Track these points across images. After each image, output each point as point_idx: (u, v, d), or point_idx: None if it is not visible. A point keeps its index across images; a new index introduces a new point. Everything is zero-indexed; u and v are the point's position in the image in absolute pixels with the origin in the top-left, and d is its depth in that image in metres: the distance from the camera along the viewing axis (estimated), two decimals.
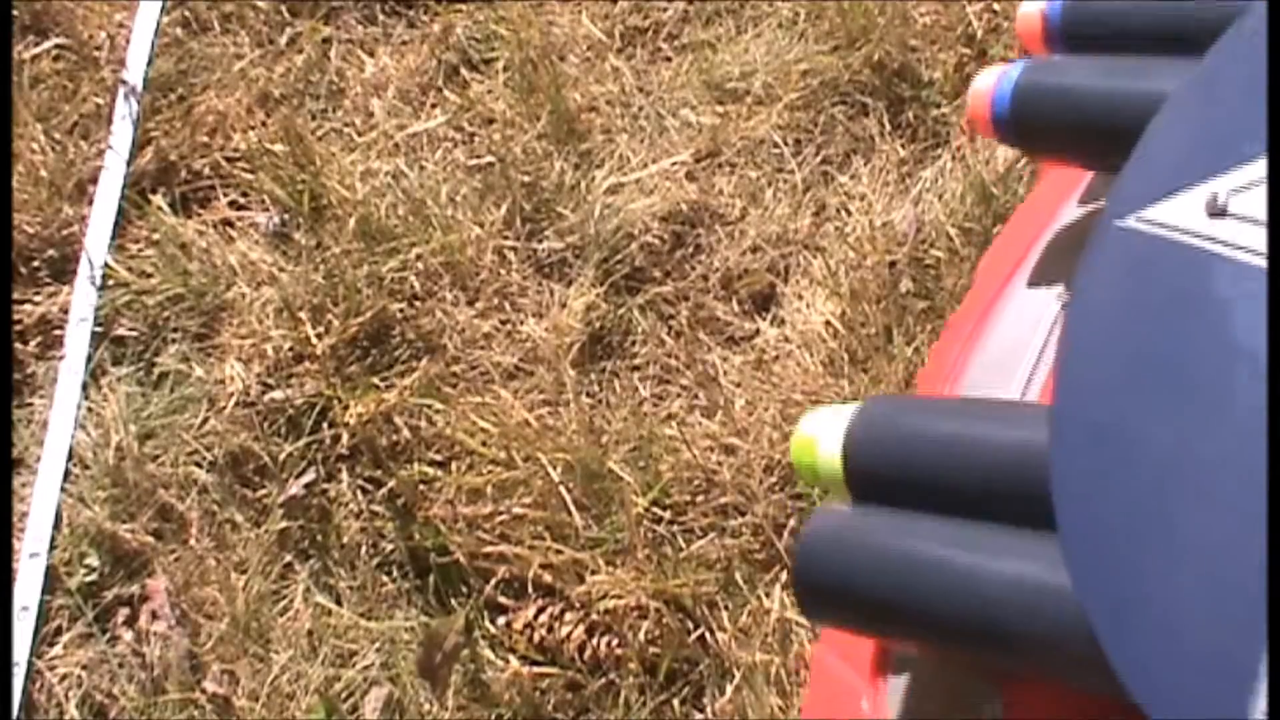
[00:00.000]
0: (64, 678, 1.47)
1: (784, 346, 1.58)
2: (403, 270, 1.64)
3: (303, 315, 1.62)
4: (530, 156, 1.71)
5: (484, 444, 1.53)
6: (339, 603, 1.49)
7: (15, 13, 1.86)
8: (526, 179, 1.69)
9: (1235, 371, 0.45)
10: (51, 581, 1.51)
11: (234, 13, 1.87)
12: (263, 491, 1.56)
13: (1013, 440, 0.54)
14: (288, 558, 1.52)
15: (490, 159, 1.72)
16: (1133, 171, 0.54)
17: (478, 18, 1.84)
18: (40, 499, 1.55)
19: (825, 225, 1.65)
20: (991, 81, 0.69)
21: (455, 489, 1.51)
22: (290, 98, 1.80)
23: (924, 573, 0.54)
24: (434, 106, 1.79)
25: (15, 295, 1.68)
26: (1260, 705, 0.40)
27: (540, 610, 1.45)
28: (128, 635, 1.48)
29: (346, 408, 1.56)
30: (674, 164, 1.70)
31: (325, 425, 1.57)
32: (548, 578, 1.46)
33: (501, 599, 1.47)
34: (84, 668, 1.47)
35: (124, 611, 1.50)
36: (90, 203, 1.74)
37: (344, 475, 1.55)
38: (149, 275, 1.68)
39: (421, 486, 1.53)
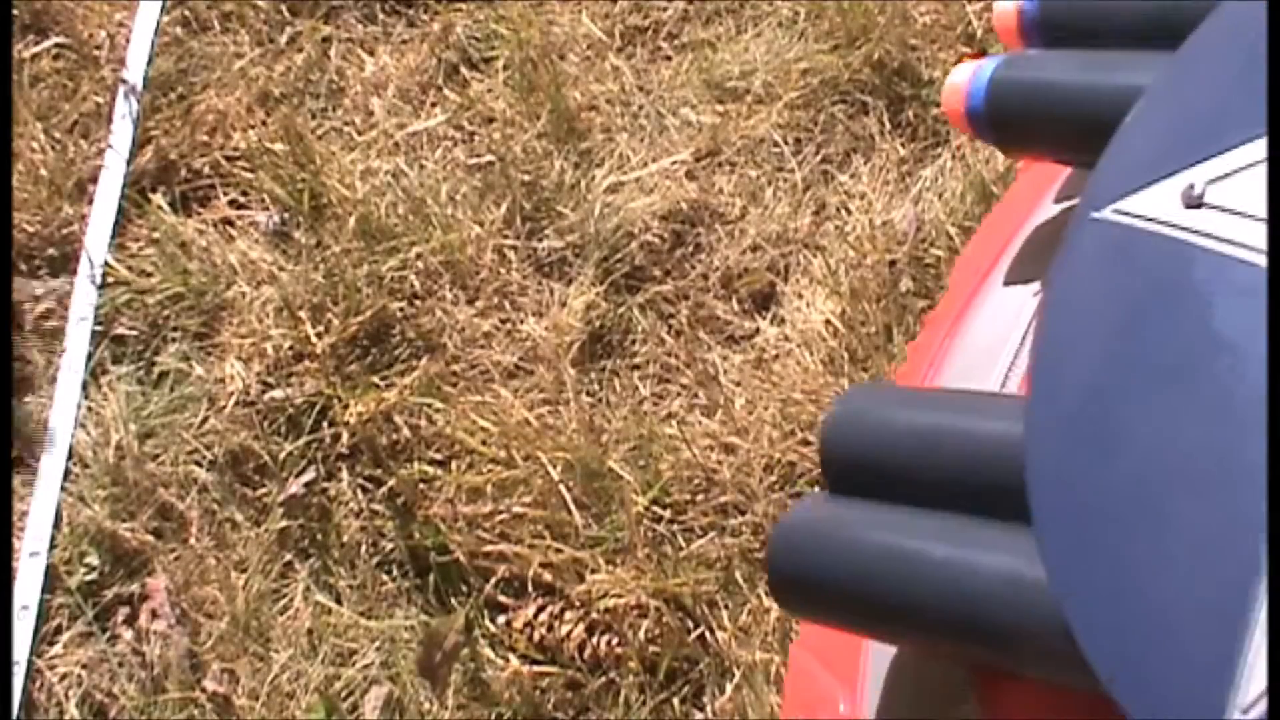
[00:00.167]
0: (64, 677, 1.47)
1: (784, 345, 1.58)
2: (403, 269, 1.64)
3: (303, 314, 1.62)
4: (530, 155, 1.71)
5: (484, 443, 1.53)
6: (339, 601, 1.49)
7: (15, 11, 1.86)
8: (526, 178, 1.69)
9: (1214, 362, 0.45)
10: (51, 580, 1.51)
11: (234, 12, 1.87)
12: (263, 490, 1.56)
13: (990, 431, 0.54)
14: (288, 557, 1.52)
15: (490, 158, 1.72)
16: (1109, 163, 0.54)
17: (478, 16, 1.84)
18: (40, 498, 1.55)
19: (825, 224, 1.65)
20: (966, 76, 0.69)
21: (455, 488, 1.51)
22: (290, 97, 1.80)
23: (899, 565, 0.54)
24: (434, 105, 1.79)
25: (14, 294, 1.68)
26: (1240, 701, 0.40)
27: (540, 609, 1.45)
28: (128, 634, 1.48)
29: (346, 407, 1.56)
30: (674, 163, 1.70)
31: (325, 424, 1.57)
32: (548, 577, 1.46)
33: (501, 598, 1.47)
34: (84, 667, 1.47)
35: (124, 610, 1.50)
36: (90, 201, 1.74)
37: (344, 474, 1.55)
38: (149, 274, 1.68)
39: (421, 485, 1.53)
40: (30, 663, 1.47)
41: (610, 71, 1.78)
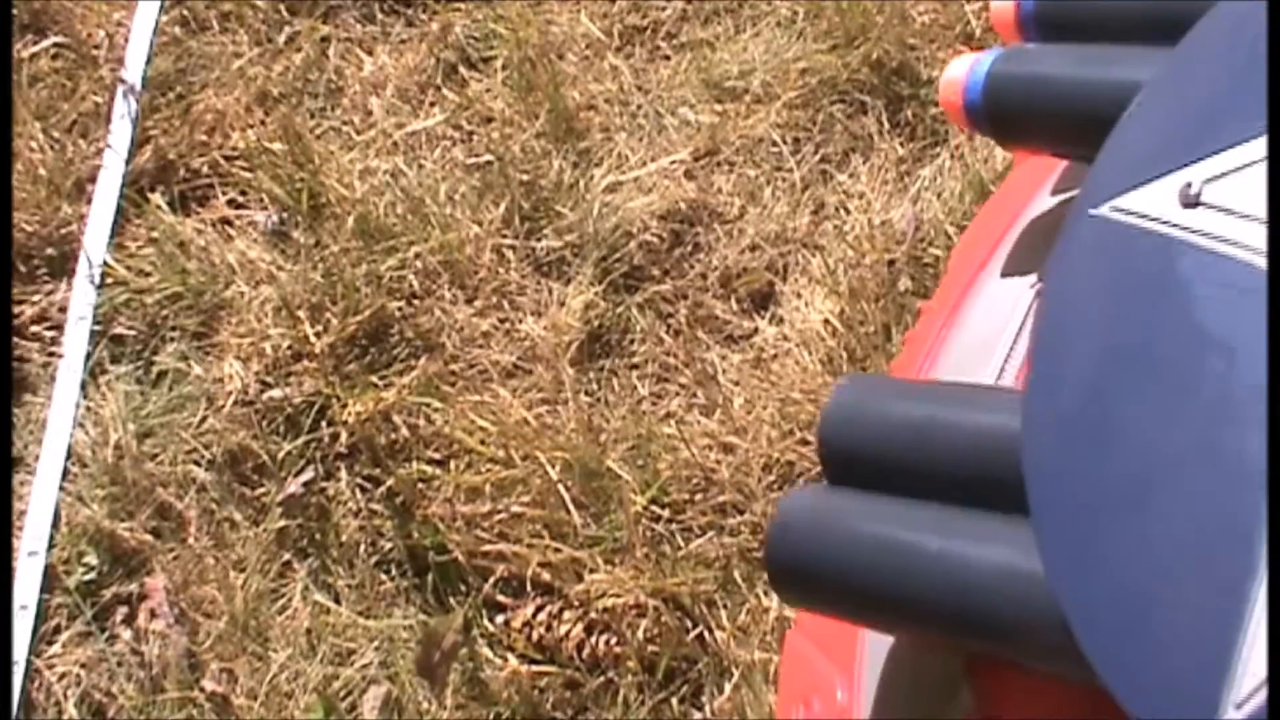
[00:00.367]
0: (62, 676, 1.47)
1: (783, 345, 1.58)
2: (401, 269, 1.64)
3: (301, 314, 1.62)
4: (529, 155, 1.71)
5: (483, 442, 1.53)
6: (337, 601, 1.49)
7: (14, 11, 1.86)
8: (525, 177, 1.69)
9: (1207, 360, 0.45)
10: (50, 580, 1.51)
11: (232, 11, 1.87)
12: (261, 490, 1.56)
13: (987, 425, 0.54)
14: (286, 556, 1.52)
15: (489, 157, 1.72)
16: (1106, 159, 0.54)
17: (476, 16, 1.84)
18: (39, 497, 1.55)
19: (824, 224, 1.65)
20: (963, 70, 0.69)
21: (454, 487, 1.51)
22: (289, 96, 1.80)
23: (894, 557, 0.54)
24: (432, 105, 1.79)
25: (14, 293, 1.68)
26: (1235, 697, 0.40)
27: (539, 609, 1.45)
28: (126, 634, 1.48)
29: (345, 406, 1.56)
30: (673, 162, 1.70)
31: (324, 424, 1.57)
32: (546, 576, 1.46)
33: (500, 597, 1.47)
34: (83, 666, 1.47)
35: (122, 610, 1.50)
36: (89, 201, 1.74)
37: (342, 474, 1.55)
38: (147, 274, 1.68)
39: (420, 485, 1.53)
40: (29, 662, 1.47)
41: (609, 71, 1.78)
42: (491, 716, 1.42)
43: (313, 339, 1.60)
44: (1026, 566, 0.48)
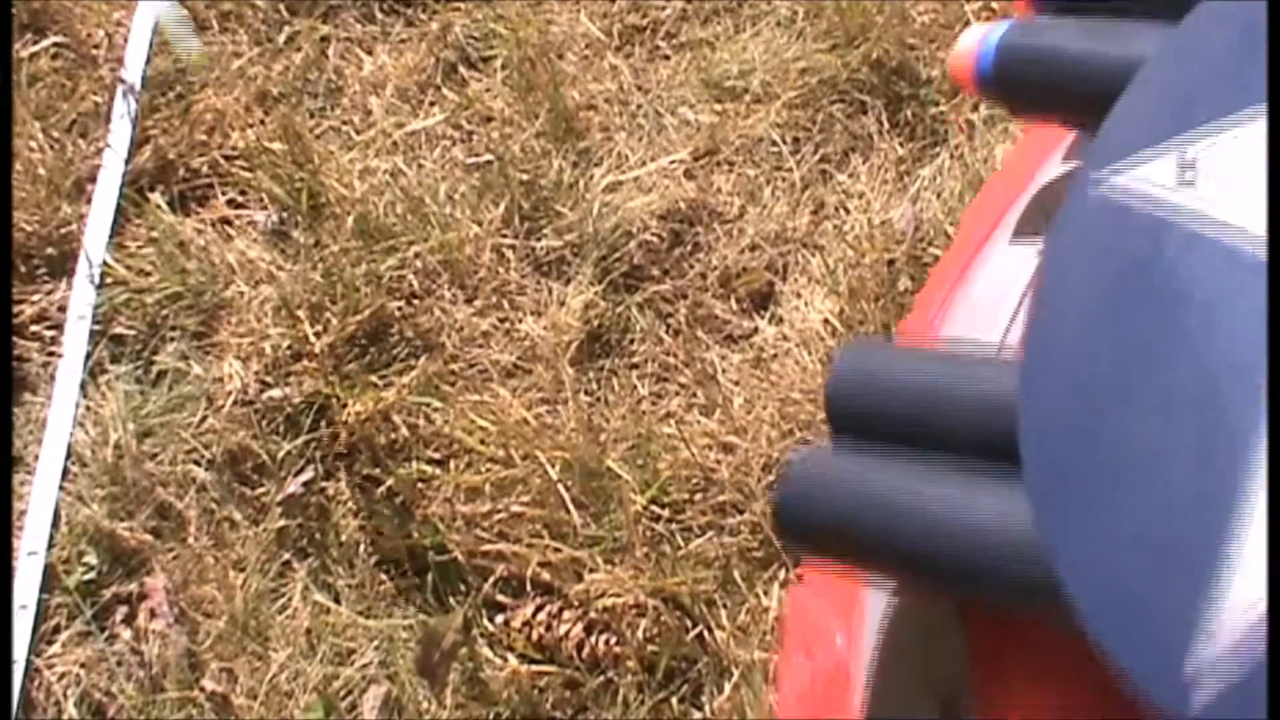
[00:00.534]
0: (62, 676, 1.47)
1: (782, 345, 1.58)
2: (401, 268, 1.64)
3: (301, 313, 1.62)
4: (528, 154, 1.71)
5: (482, 442, 1.53)
6: (337, 601, 1.49)
7: (14, 11, 1.86)
8: (525, 177, 1.69)
9: (1205, 341, 0.45)
10: (50, 580, 1.51)
11: (232, 11, 1.87)
12: (261, 490, 1.56)
13: (990, 391, 0.55)
14: (286, 556, 1.52)
15: (488, 157, 1.72)
16: (1105, 134, 0.55)
17: (476, 16, 1.84)
18: (39, 497, 1.55)
19: (824, 223, 1.65)
20: (975, 40, 0.70)
21: (454, 487, 1.51)
22: (288, 96, 1.80)
23: (900, 508, 0.55)
24: (432, 105, 1.79)
25: (14, 293, 1.68)
26: (1202, 656, 0.41)
27: (538, 608, 1.45)
28: (126, 633, 1.48)
29: (345, 406, 1.56)
30: (672, 162, 1.70)
31: (323, 423, 1.57)
32: (546, 576, 1.46)
33: (500, 597, 1.47)
34: (82, 666, 1.47)
35: (122, 610, 1.50)
36: (89, 201, 1.74)
37: (342, 473, 1.55)
38: (147, 273, 1.68)
39: (420, 485, 1.53)
40: (29, 662, 1.47)
41: (608, 71, 1.78)
42: (491, 716, 1.42)
43: (312, 339, 1.60)
44: (1022, 518, 0.49)
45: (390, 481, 1.53)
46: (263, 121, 1.79)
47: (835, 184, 1.68)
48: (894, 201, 1.65)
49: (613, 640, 1.43)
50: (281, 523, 1.53)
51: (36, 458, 1.58)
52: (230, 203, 1.74)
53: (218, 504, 1.55)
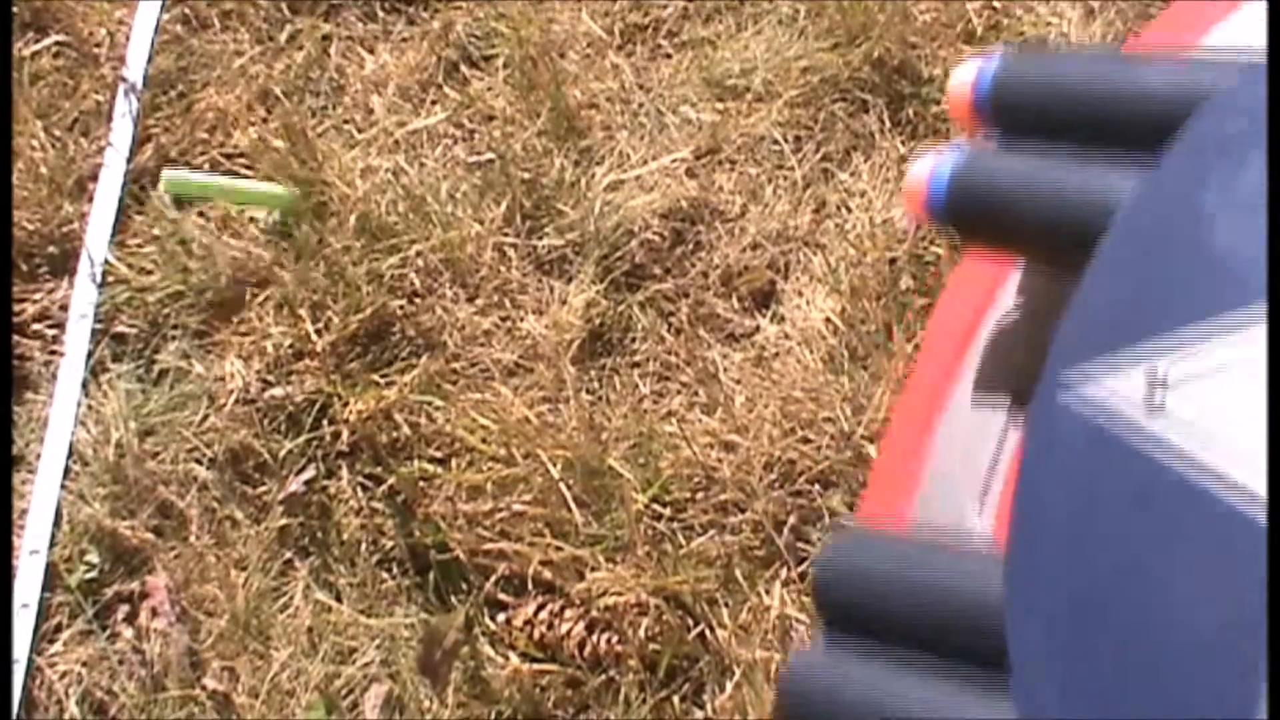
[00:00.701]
0: (64, 675, 1.47)
1: (784, 343, 1.58)
2: (403, 267, 1.64)
3: (303, 312, 1.62)
4: (530, 153, 1.71)
5: (484, 441, 1.53)
6: (339, 600, 1.49)
7: (15, 9, 1.86)
8: (526, 176, 1.69)
9: (1175, 594, 0.45)
10: (51, 578, 1.51)
11: (234, 9, 1.87)
12: (263, 488, 1.56)
13: (978, 593, 0.56)
14: (288, 555, 1.52)
15: (490, 156, 1.72)
16: (1067, 334, 0.53)
17: (478, 14, 1.84)
18: (40, 496, 1.55)
19: (825, 222, 1.65)
20: (926, 171, 0.68)
21: (455, 486, 1.51)
22: (290, 94, 1.80)
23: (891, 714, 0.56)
24: (434, 103, 1.79)
25: (15, 292, 1.69)
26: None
27: (540, 607, 1.45)
28: (128, 632, 1.49)
29: (346, 404, 1.56)
30: (674, 161, 1.70)
31: (325, 422, 1.57)
32: (548, 574, 1.46)
33: (501, 596, 1.47)
34: (84, 665, 1.47)
35: (124, 608, 1.50)
36: (90, 199, 1.74)
37: (344, 472, 1.55)
38: (149, 272, 1.68)
39: (421, 483, 1.53)
40: (30, 661, 1.47)
41: (610, 69, 1.78)
42: (493, 715, 1.42)
43: (314, 337, 1.60)
44: None
45: (392, 480, 1.53)
46: (264, 120, 1.79)
47: (837, 182, 1.68)
48: (896, 200, 1.65)
49: (614, 639, 1.43)
50: (283, 521, 1.53)
51: (38, 456, 1.58)
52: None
53: (219, 503, 1.55)
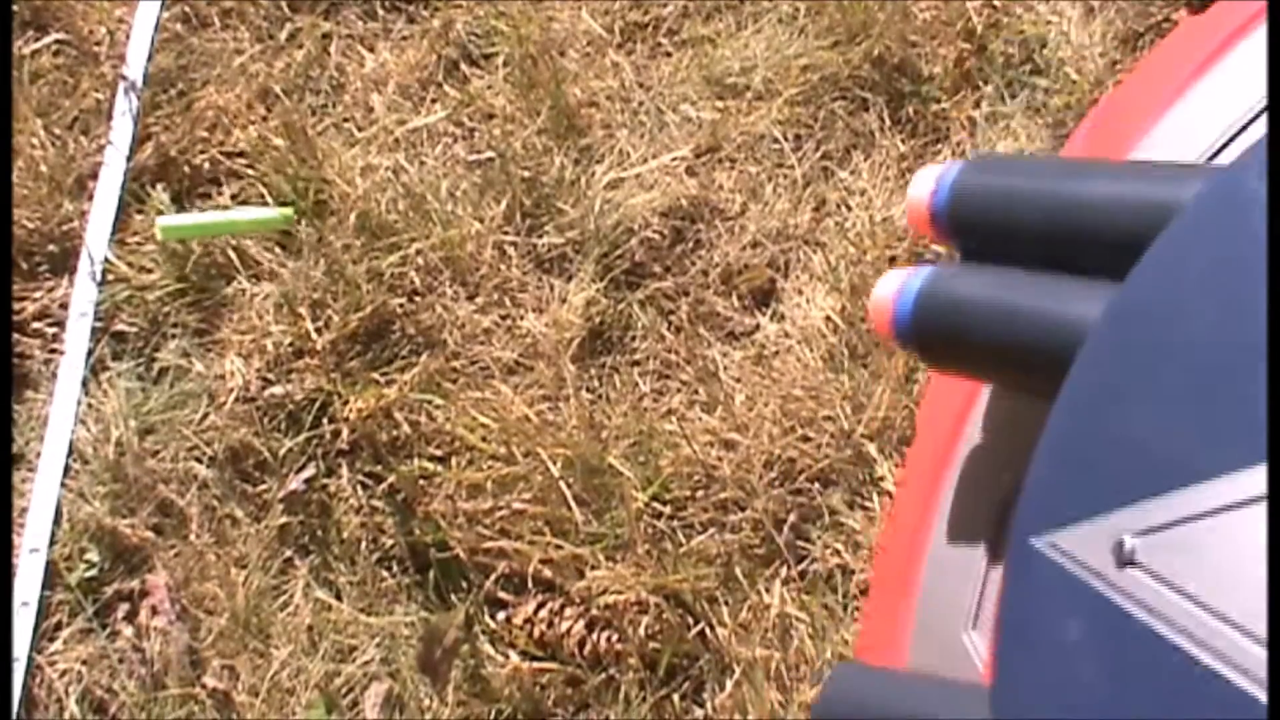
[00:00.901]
0: (64, 673, 1.47)
1: (784, 342, 1.58)
2: (403, 265, 1.64)
3: (303, 310, 1.62)
4: (530, 152, 1.71)
5: (484, 439, 1.53)
6: (339, 598, 1.49)
7: (15, 8, 1.86)
8: (526, 174, 1.69)
9: None
10: (51, 577, 1.52)
11: (234, 8, 1.87)
12: (263, 487, 1.56)
13: None
14: (288, 553, 1.52)
15: (490, 154, 1.72)
16: (1040, 475, 0.54)
17: (478, 13, 1.84)
18: (40, 494, 1.55)
19: (825, 220, 1.65)
20: (893, 290, 0.68)
21: (455, 484, 1.51)
22: (290, 93, 1.80)
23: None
24: (434, 102, 1.79)
25: (15, 290, 1.69)
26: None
27: (540, 605, 1.45)
28: (128, 630, 1.49)
29: (346, 403, 1.56)
30: (674, 159, 1.70)
31: (325, 420, 1.57)
32: (548, 573, 1.46)
33: (501, 594, 1.47)
34: (84, 663, 1.47)
35: (124, 607, 1.50)
36: (90, 198, 1.74)
37: (344, 470, 1.55)
38: (149, 270, 1.68)
39: (421, 482, 1.53)
40: (30, 659, 1.47)
41: (610, 68, 1.78)
42: (493, 713, 1.42)
43: (314, 336, 1.60)
44: None
45: (392, 478, 1.53)
46: (264, 118, 1.79)
47: (837, 181, 1.68)
48: (895, 198, 1.65)
49: (614, 637, 1.43)
50: (283, 520, 1.53)
51: (38, 455, 1.58)
52: (232, 199, 1.74)
53: (219, 501, 1.55)
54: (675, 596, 1.44)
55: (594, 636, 1.43)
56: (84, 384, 1.62)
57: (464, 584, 1.48)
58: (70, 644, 1.49)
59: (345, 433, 1.56)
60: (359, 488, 1.54)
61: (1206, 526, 0.46)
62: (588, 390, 1.57)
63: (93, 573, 1.52)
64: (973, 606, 0.67)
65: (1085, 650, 0.49)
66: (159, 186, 1.74)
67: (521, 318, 1.62)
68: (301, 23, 1.86)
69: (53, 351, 1.65)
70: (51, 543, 1.53)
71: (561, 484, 1.49)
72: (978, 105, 1.69)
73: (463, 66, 1.82)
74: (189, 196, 1.75)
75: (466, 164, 1.73)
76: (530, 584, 1.47)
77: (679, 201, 1.67)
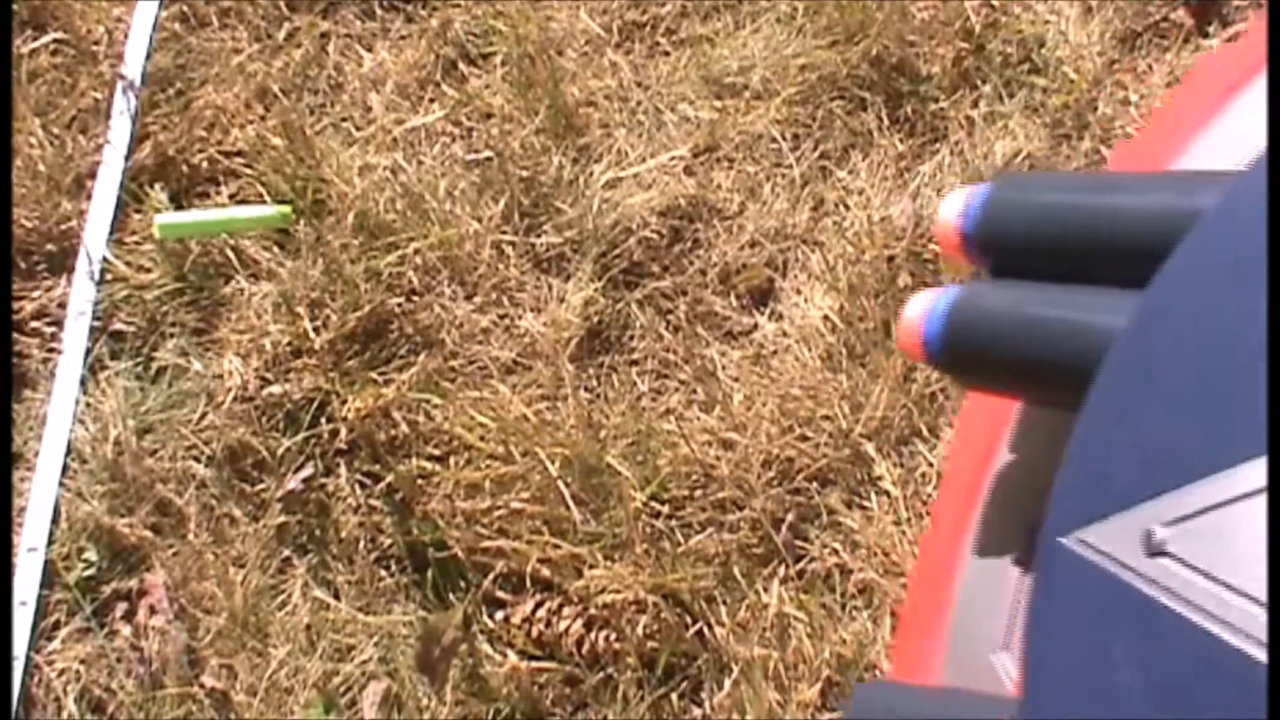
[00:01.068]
0: (62, 672, 1.47)
1: (782, 341, 1.58)
2: (401, 265, 1.64)
3: (301, 310, 1.62)
4: (528, 151, 1.71)
5: (482, 439, 1.53)
6: (337, 597, 1.50)
7: (14, 7, 1.86)
8: (524, 174, 1.69)
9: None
10: (50, 576, 1.51)
11: (232, 8, 1.87)
12: (261, 486, 1.56)
13: None
14: (286, 552, 1.52)
15: (488, 154, 1.72)
16: (1069, 476, 0.55)
17: (475, 12, 1.84)
18: (39, 493, 1.55)
19: (823, 220, 1.65)
20: (921, 310, 0.68)
21: (453, 484, 1.51)
22: (288, 92, 1.80)
23: None
24: (432, 101, 1.79)
25: (13, 289, 1.68)
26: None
27: (538, 605, 1.45)
28: (126, 630, 1.49)
29: (345, 402, 1.56)
30: (672, 159, 1.70)
31: (323, 420, 1.57)
32: (546, 572, 1.46)
33: (500, 594, 1.47)
34: (82, 662, 1.47)
35: (122, 606, 1.50)
36: (89, 197, 1.74)
37: (342, 470, 1.55)
38: (147, 270, 1.68)
39: (420, 481, 1.53)
40: (28, 658, 1.47)
41: (608, 67, 1.78)
42: (491, 712, 1.42)
43: (312, 335, 1.60)
44: None
45: (390, 478, 1.53)
46: (263, 118, 1.79)
47: (835, 180, 1.68)
48: (894, 198, 1.65)
49: (612, 637, 1.43)
50: (281, 519, 1.53)
51: (36, 454, 1.58)
52: (230, 199, 1.74)
53: (217, 500, 1.55)
54: (673, 596, 1.44)
55: (592, 636, 1.43)
56: (82, 383, 1.62)
57: (462, 583, 1.48)
58: (68, 643, 1.49)
59: (343, 432, 1.56)
60: (357, 487, 1.54)
61: (1236, 512, 0.47)
62: (586, 390, 1.57)
63: (91, 572, 1.52)
64: (1004, 630, 0.67)
65: (1115, 640, 0.49)
66: (157, 186, 1.74)
67: (520, 317, 1.62)
68: (300, 22, 1.86)
69: (51, 351, 1.65)
70: (50, 542, 1.53)
71: (560, 483, 1.49)
72: (976, 104, 1.69)
73: (461, 66, 1.82)
74: (187, 196, 1.75)
75: (465, 163, 1.73)
76: (528, 583, 1.47)
77: (677, 201, 1.67)
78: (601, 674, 1.42)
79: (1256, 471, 0.47)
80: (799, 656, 1.39)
